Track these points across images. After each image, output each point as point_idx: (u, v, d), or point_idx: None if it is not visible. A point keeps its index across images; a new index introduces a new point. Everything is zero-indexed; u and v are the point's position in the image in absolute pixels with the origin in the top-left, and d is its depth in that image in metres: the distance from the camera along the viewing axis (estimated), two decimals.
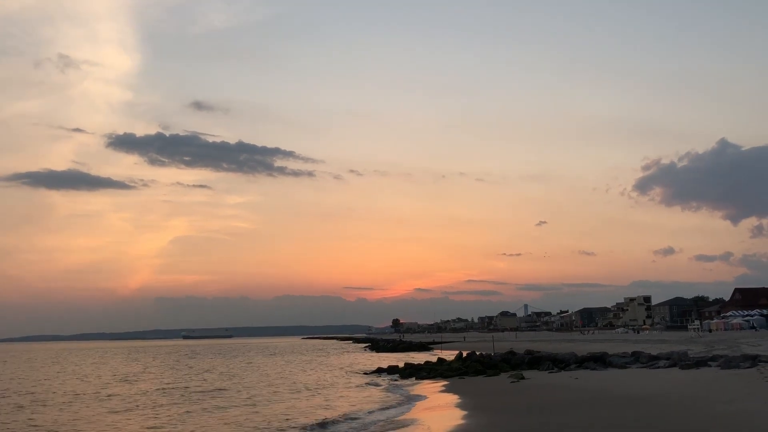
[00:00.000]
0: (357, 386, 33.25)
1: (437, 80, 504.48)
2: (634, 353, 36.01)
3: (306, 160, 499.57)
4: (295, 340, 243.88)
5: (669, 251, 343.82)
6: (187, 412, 23.53)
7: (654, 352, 35.74)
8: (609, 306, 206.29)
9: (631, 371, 29.14)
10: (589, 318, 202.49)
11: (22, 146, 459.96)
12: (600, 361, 33.79)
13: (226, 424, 20.18)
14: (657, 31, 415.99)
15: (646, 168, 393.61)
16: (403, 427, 18.13)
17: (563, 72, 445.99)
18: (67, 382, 41.39)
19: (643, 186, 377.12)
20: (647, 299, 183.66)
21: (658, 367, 29.31)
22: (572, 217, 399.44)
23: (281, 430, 18.75)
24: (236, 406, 24.81)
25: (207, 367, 56.86)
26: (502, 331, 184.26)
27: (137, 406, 25.97)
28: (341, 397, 28.22)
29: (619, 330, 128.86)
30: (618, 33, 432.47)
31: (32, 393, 33.05)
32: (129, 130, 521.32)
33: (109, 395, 30.90)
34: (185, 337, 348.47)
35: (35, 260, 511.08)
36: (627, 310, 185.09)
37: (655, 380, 23.86)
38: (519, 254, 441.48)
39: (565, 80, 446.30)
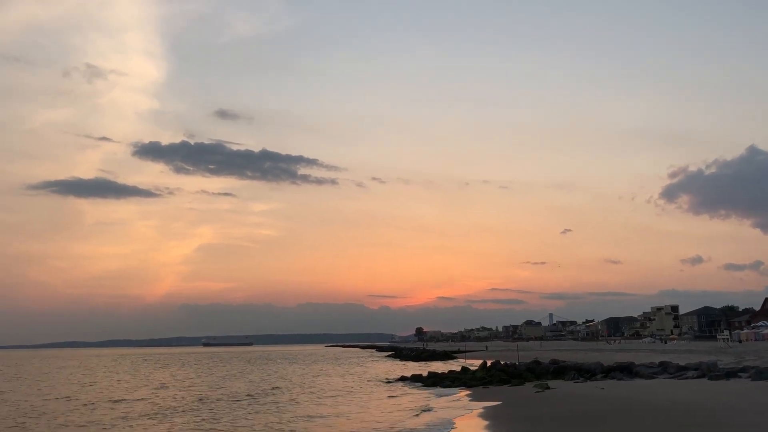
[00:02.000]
0: (386, 396, 33.15)
1: (460, 87, 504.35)
2: (661, 363, 35.50)
3: (329, 167, 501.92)
4: (319, 348, 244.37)
5: (697, 260, 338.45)
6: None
7: (682, 363, 35.20)
8: (636, 315, 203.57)
9: (659, 382, 28.70)
10: (616, 327, 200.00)
11: (51, 154, 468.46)
12: (626, 371, 33.36)
13: None
14: (683, 38, 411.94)
15: (672, 175, 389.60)
16: None
17: (589, 79, 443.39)
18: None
19: (669, 194, 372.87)
20: (675, 308, 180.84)
21: (687, 378, 28.86)
22: (598, 225, 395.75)
23: None
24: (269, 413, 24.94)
25: (240, 373, 57.29)
26: (527, 341, 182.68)
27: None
28: (368, 407, 28.17)
29: (646, 340, 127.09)
30: (644, 40, 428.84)
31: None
32: (155, 139, 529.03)
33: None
34: (205, 345, 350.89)
35: (63, 267, 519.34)
36: (654, 319, 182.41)
37: (684, 391, 23.47)
38: (544, 263, 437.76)
39: (590, 87, 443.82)
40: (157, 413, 25.75)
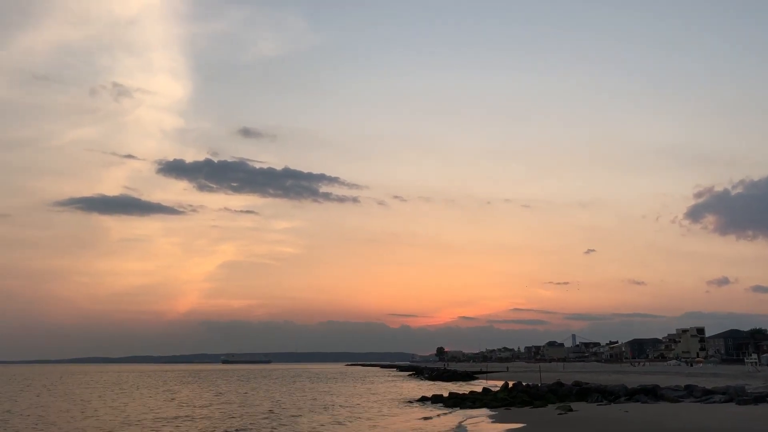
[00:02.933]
0: (411, 417, 32.95)
1: (483, 106, 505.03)
2: (687, 387, 34.89)
3: (351, 186, 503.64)
4: (339, 367, 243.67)
5: (724, 281, 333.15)
6: None
7: (708, 386, 34.58)
8: (660, 337, 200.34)
9: (684, 405, 28.20)
10: (640, 349, 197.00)
11: (77, 171, 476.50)
12: (651, 393, 32.82)
13: None
14: (709, 57, 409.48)
15: (698, 195, 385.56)
16: None
17: (614, 98, 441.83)
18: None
19: (695, 214, 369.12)
20: (701, 331, 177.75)
21: (714, 402, 28.32)
22: (621, 245, 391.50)
23: None
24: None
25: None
26: (549, 362, 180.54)
27: None
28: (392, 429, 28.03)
29: (671, 362, 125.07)
30: (670, 59, 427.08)
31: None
32: (179, 157, 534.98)
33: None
34: (224, 362, 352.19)
35: (87, 283, 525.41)
36: (679, 341, 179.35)
37: (711, 415, 23.03)
38: (567, 282, 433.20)
39: (615, 106, 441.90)
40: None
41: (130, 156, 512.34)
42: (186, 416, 32.59)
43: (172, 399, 47.77)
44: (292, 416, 32.27)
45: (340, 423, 28.95)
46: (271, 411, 35.60)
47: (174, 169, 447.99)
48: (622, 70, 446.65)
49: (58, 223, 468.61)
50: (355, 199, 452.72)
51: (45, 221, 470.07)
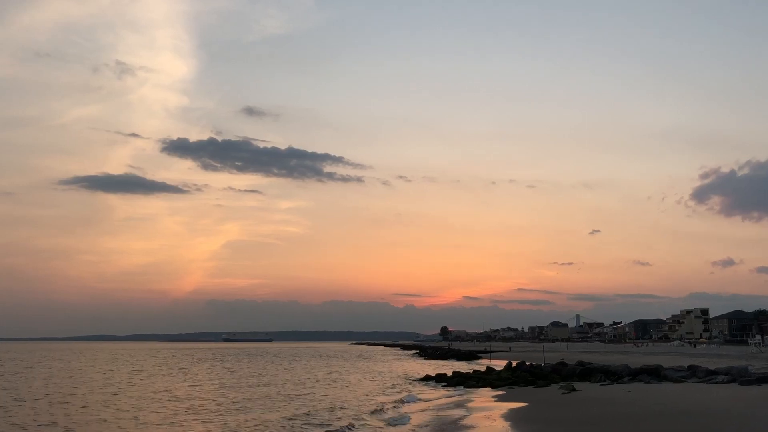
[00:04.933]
0: (409, 395, 33.17)
1: (488, 87, 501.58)
2: (690, 367, 34.97)
3: (355, 165, 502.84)
4: (344, 345, 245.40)
5: (728, 263, 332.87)
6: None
7: (712, 367, 34.65)
8: (664, 318, 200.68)
9: (687, 386, 28.29)
10: (643, 330, 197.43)
11: (82, 150, 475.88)
12: (654, 374, 32.93)
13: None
14: (715, 38, 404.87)
15: (704, 176, 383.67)
16: None
17: (619, 79, 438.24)
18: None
19: (700, 195, 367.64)
20: (705, 312, 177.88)
21: (716, 383, 28.38)
22: (626, 226, 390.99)
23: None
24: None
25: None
26: (553, 342, 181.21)
27: None
28: (394, 406, 28.21)
29: (675, 343, 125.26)
30: (675, 40, 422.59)
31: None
32: (183, 135, 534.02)
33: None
34: (225, 340, 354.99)
35: (94, 261, 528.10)
36: (683, 322, 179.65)
37: (713, 396, 23.10)
38: (571, 263, 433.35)
39: (621, 87, 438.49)
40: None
41: (134, 134, 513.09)
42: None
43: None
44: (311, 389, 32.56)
45: (345, 401, 29.09)
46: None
47: (178, 148, 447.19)
48: (628, 50, 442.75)
49: (63, 201, 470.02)
50: (359, 179, 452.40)
51: (50, 200, 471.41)
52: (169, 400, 29.05)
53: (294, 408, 25.76)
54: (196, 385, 38.58)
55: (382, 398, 30.51)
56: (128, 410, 25.01)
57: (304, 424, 21.00)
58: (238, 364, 69.91)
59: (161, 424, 21.03)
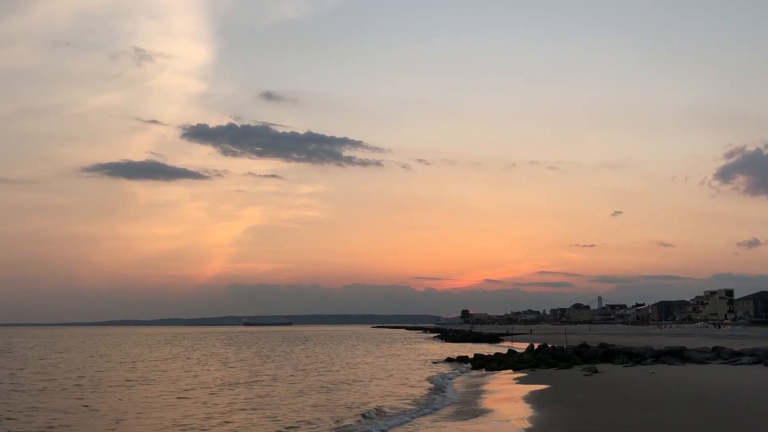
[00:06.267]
0: (430, 377, 33.27)
1: (508, 67, 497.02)
2: (714, 348, 34.60)
3: (374, 149, 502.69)
4: (365, 329, 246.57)
5: (754, 243, 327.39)
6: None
7: (737, 348, 34.22)
8: (688, 299, 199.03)
9: (712, 367, 28.02)
10: (667, 311, 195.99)
11: (103, 138, 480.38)
12: (678, 355, 32.64)
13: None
14: (740, 14, 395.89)
15: (729, 155, 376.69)
16: (473, 416, 18.06)
17: (640, 56, 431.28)
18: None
19: (725, 174, 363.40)
20: (729, 293, 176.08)
21: (742, 364, 28.07)
22: (649, 207, 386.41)
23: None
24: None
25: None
26: (575, 324, 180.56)
27: None
28: (417, 387, 28.32)
29: (699, 324, 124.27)
30: (699, 16, 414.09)
31: None
32: (202, 122, 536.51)
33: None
34: (246, 324, 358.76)
35: (117, 248, 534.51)
36: (707, 303, 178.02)
37: (739, 377, 22.85)
38: (593, 245, 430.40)
39: (642, 65, 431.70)
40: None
41: (154, 121, 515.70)
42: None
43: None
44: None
45: (365, 381, 29.22)
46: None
47: (198, 133, 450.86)
48: (650, 27, 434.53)
49: (85, 189, 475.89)
50: (378, 163, 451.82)
51: (73, 187, 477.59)
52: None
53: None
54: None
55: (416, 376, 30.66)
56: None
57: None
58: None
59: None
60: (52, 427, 17.42)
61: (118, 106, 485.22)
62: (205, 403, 22.03)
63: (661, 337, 61.24)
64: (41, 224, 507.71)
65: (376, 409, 19.69)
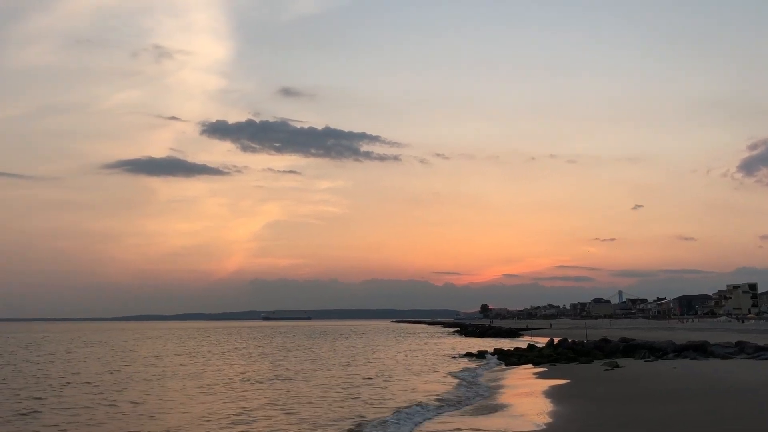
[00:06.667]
0: (450, 372, 33.28)
1: (526, 60, 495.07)
2: (738, 343, 34.17)
3: (392, 144, 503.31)
4: (384, 323, 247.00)
5: None
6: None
7: (761, 343, 33.77)
8: (710, 293, 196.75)
9: (736, 362, 27.66)
10: (689, 306, 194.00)
11: (124, 134, 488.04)
12: (700, 350, 32.27)
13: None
14: (763, 5, 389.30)
15: (752, 147, 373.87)
16: (493, 411, 18.03)
17: (661, 49, 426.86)
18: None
19: (748, 167, 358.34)
20: (753, 287, 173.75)
21: (766, 359, 27.71)
22: (670, 200, 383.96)
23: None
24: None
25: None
26: (595, 318, 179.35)
27: None
28: (437, 382, 28.35)
29: (722, 319, 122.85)
30: (721, 7, 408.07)
31: None
32: (222, 118, 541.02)
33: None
34: (265, 319, 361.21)
35: (139, 243, 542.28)
36: (730, 298, 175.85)
37: (764, 372, 22.53)
38: (613, 239, 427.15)
39: (663, 57, 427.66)
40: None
41: (174, 118, 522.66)
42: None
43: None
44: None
45: (389, 376, 29.30)
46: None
47: (217, 130, 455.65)
48: (671, 19, 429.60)
49: (107, 185, 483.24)
50: (396, 158, 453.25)
51: (95, 184, 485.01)
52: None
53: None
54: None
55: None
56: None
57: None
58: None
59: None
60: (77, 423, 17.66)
61: (139, 103, 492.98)
62: (230, 399, 22.10)
63: (682, 332, 60.63)
64: (65, 220, 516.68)
65: (405, 406, 19.46)
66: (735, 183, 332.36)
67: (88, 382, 27.36)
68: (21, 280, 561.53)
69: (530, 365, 33.91)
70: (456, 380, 27.94)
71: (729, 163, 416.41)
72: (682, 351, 32.45)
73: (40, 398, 22.24)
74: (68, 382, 27.47)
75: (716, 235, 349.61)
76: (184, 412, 18.81)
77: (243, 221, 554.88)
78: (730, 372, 23.16)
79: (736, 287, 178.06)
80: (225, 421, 17.21)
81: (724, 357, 29.86)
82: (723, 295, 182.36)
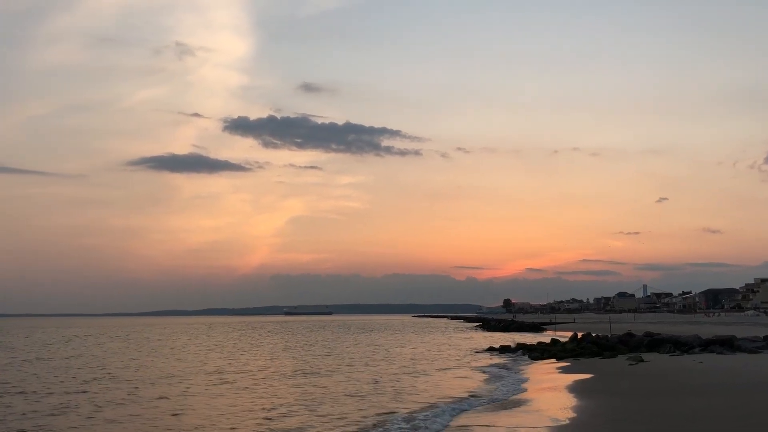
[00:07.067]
0: (474, 366, 33.28)
1: (548, 52, 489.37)
2: (766, 337, 33.74)
3: (413, 138, 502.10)
4: (407, 318, 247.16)
5: None
6: None
7: None
8: (737, 287, 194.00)
9: (763, 356, 27.31)
10: (715, 299, 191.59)
11: (147, 132, 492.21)
12: (727, 344, 31.88)
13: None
14: None
15: None
16: (515, 406, 18.01)
17: (685, 38, 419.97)
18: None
19: None
20: None
21: None
22: (696, 192, 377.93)
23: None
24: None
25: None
26: (620, 313, 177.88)
27: None
28: (461, 377, 28.38)
29: (749, 313, 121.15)
30: None
31: None
32: (243, 114, 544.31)
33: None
34: (287, 313, 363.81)
35: (163, 240, 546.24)
36: (758, 291, 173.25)
37: None
38: (638, 233, 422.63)
39: (687, 47, 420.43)
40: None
41: (196, 114, 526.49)
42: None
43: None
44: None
45: (414, 371, 29.39)
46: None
47: (239, 126, 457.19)
48: (695, 9, 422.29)
49: (131, 182, 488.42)
50: (417, 152, 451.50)
51: (119, 181, 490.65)
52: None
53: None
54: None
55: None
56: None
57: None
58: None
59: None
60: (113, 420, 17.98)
61: (162, 100, 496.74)
62: (257, 394, 22.20)
63: (708, 326, 59.95)
64: (89, 217, 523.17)
65: (432, 402, 19.44)
66: (762, 175, 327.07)
67: (113, 377, 27.80)
68: (47, 276, 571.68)
69: (553, 360, 33.78)
70: (481, 375, 27.92)
71: (756, 155, 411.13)
72: (708, 345, 32.08)
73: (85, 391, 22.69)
74: (108, 373, 27.94)
75: (743, 227, 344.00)
76: (208, 408, 19.02)
77: (265, 217, 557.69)
78: (759, 367, 22.87)
79: (764, 280, 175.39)
80: (250, 415, 17.39)
81: (751, 351, 29.49)
82: (750, 289, 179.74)
